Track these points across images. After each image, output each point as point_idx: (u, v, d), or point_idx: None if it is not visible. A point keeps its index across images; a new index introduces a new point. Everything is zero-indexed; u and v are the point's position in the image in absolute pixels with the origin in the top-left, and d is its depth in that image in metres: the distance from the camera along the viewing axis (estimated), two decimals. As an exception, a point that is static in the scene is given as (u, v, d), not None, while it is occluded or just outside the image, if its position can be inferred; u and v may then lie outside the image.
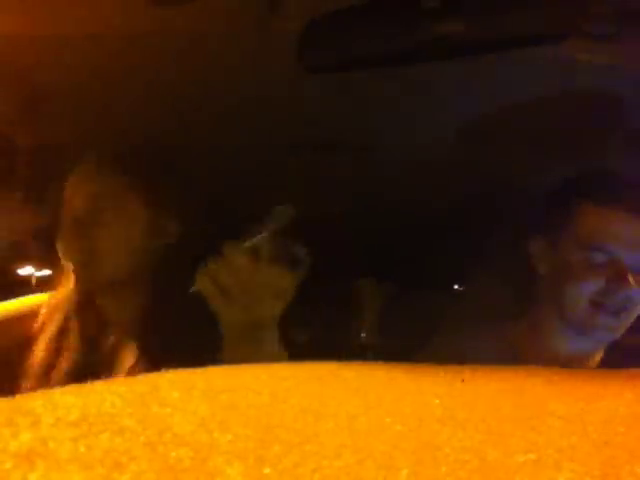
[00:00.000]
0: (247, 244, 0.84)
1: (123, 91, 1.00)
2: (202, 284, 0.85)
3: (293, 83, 0.90)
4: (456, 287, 2.17)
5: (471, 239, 1.36)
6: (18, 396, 0.33)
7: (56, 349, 1.03)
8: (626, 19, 0.63)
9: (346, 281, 2.19)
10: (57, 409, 0.31)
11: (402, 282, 2.10)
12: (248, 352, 0.85)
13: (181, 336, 0.97)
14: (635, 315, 1.02)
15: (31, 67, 0.93)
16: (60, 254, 1.05)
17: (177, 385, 0.39)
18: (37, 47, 0.86)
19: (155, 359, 0.90)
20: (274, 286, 0.85)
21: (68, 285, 1.10)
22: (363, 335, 2.21)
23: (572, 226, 1.04)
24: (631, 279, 0.99)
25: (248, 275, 0.83)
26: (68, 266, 1.05)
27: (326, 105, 1.03)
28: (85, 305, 1.07)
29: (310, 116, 1.07)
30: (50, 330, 1.06)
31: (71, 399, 0.33)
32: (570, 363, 1.07)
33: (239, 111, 1.05)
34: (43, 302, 1.11)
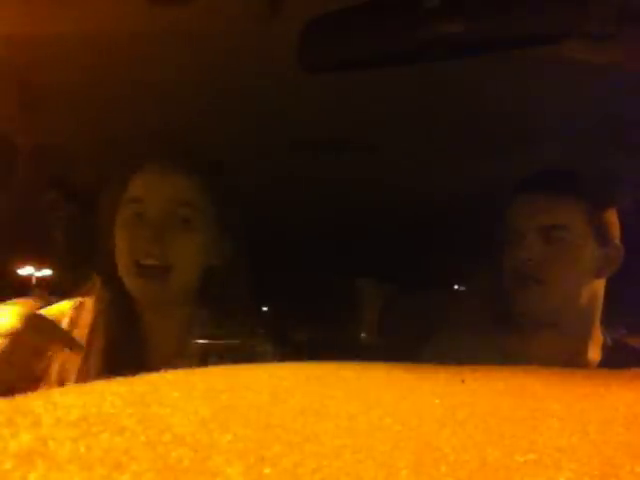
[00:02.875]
0: (193, 349, 0.94)
1: (123, 91, 1.00)
2: None
3: (293, 83, 0.90)
4: (456, 287, 2.17)
5: (471, 239, 1.36)
6: (18, 396, 0.33)
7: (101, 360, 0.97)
8: (626, 19, 0.63)
9: (346, 281, 2.19)
10: (57, 409, 0.31)
11: (402, 282, 2.10)
12: None
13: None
14: (556, 287, 1.06)
15: (31, 67, 0.93)
16: (120, 253, 0.97)
17: (177, 385, 0.39)
18: (37, 47, 0.86)
19: None
20: None
21: (103, 295, 1.02)
22: (363, 335, 2.21)
23: (508, 221, 1.11)
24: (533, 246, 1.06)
25: None
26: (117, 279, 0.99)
27: (326, 105, 1.04)
28: (129, 320, 1.01)
29: (310, 116, 1.07)
30: (97, 343, 0.98)
31: (71, 399, 0.33)
32: (565, 363, 1.07)
33: (239, 111, 1.05)
34: (67, 309, 1.04)
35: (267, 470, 0.26)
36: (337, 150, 1.22)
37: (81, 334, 1.00)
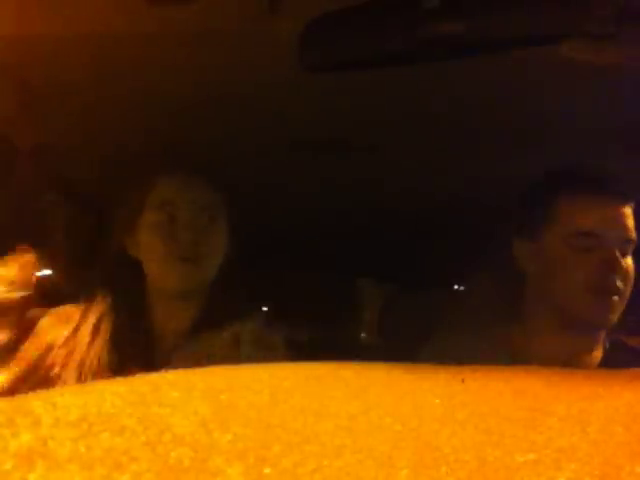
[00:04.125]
0: (226, 336, 1.05)
1: (122, 91, 1.00)
2: None
3: (293, 83, 0.90)
4: (456, 287, 2.17)
5: (471, 239, 1.36)
6: (18, 396, 0.33)
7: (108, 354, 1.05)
8: (626, 19, 0.62)
9: (346, 281, 2.19)
10: (57, 409, 0.31)
11: (402, 282, 2.10)
12: None
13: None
14: (626, 299, 1.04)
15: (31, 67, 0.93)
16: (156, 252, 1.08)
17: (177, 385, 0.39)
18: (37, 47, 0.86)
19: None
20: None
21: (110, 293, 1.11)
22: (363, 335, 2.21)
23: (553, 219, 1.06)
24: (620, 260, 1.02)
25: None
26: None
27: (326, 105, 1.03)
28: (139, 315, 1.10)
29: (310, 116, 1.07)
30: (103, 334, 1.07)
31: (71, 399, 0.33)
32: (569, 362, 1.07)
33: (239, 111, 1.05)
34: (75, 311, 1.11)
35: (267, 470, 0.26)
36: (337, 150, 1.22)
37: (84, 339, 1.06)
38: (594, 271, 1.01)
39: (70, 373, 1.03)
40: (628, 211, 1.05)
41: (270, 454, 0.27)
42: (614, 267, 1.01)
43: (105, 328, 1.07)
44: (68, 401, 0.33)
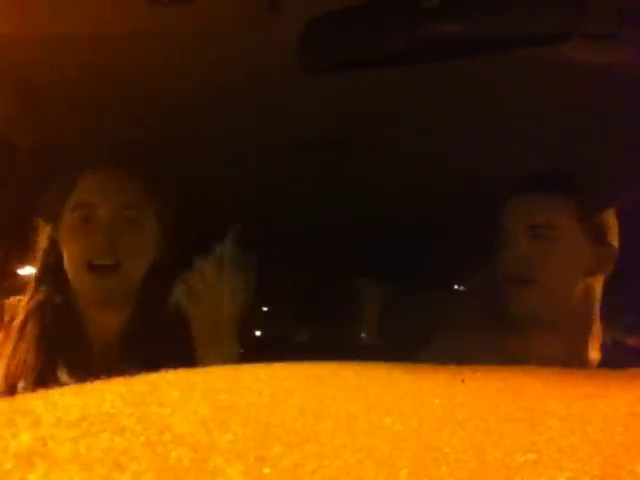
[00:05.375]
0: (211, 257, 1.00)
1: (122, 91, 1.00)
2: (179, 293, 0.99)
3: (293, 83, 0.90)
4: (456, 287, 2.17)
5: (471, 239, 1.36)
6: (18, 396, 0.33)
7: (35, 356, 1.01)
8: (626, 19, 0.63)
9: (346, 281, 2.19)
10: (57, 409, 0.31)
11: (402, 282, 2.10)
12: (213, 349, 0.99)
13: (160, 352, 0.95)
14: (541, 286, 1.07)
15: (31, 67, 0.93)
16: (71, 255, 1.03)
17: (177, 385, 0.39)
18: (37, 47, 0.86)
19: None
20: (231, 287, 0.99)
21: (39, 291, 1.06)
22: (363, 335, 2.21)
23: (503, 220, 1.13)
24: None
25: (214, 281, 0.98)
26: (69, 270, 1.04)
27: (326, 105, 1.03)
28: (67, 316, 1.05)
29: (310, 116, 1.07)
30: (28, 336, 1.02)
31: (71, 399, 0.33)
32: (570, 355, 1.07)
33: (239, 111, 1.05)
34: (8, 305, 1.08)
35: (267, 470, 0.26)
36: (337, 150, 1.22)
37: (14, 331, 1.03)
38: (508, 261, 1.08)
39: None
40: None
41: (270, 454, 0.27)
42: (515, 252, 1.08)
43: (31, 329, 1.02)
44: (68, 401, 0.33)
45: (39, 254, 1.09)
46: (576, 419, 0.35)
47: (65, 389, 0.35)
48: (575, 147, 1.15)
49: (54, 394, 0.34)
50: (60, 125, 1.12)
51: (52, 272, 1.06)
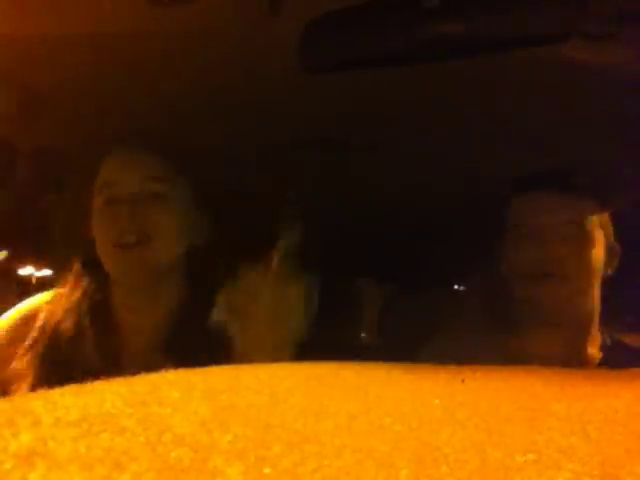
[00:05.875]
0: (261, 265, 0.84)
1: (123, 91, 1.00)
2: (221, 311, 0.85)
3: (293, 83, 0.90)
4: (456, 287, 2.17)
5: (471, 239, 1.36)
6: (18, 396, 0.33)
7: (69, 354, 0.96)
8: (626, 19, 0.63)
9: (346, 281, 2.19)
10: (57, 409, 0.31)
11: (402, 282, 2.10)
12: None
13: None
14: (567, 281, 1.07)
15: (31, 67, 0.93)
16: (99, 239, 0.98)
17: (177, 385, 0.39)
18: (37, 47, 0.86)
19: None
20: (290, 305, 0.85)
21: (79, 286, 1.02)
22: (363, 335, 2.21)
23: (509, 218, 1.13)
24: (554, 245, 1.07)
25: (265, 295, 0.83)
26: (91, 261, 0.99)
27: (326, 105, 1.03)
28: (102, 310, 0.99)
29: (310, 116, 1.07)
30: (63, 333, 0.98)
31: (71, 399, 0.33)
32: (571, 354, 1.07)
33: (239, 111, 1.05)
34: (43, 304, 1.05)
35: (267, 470, 0.26)
36: (337, 150, 1.22)
37: (63, 337, 0.98)
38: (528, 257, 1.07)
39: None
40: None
41: (270, 454, 0.27)
42: (547, 250, 1.06)
43: (66, 326, 0.97)
44: (68, 401, 0.33)
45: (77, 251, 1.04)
46: (576, 419, 0.35)
47: (65, 389, 0.35)
48: (575, 147, 1.15)
49: (54, 394, 0.34)
50: (60, 125, 1.12)
51: (89, 269, 1.02)
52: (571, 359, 1.07)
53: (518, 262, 1.09)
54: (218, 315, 0.84)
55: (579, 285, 1.07)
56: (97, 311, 0.99)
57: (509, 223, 1.13)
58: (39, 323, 1.00)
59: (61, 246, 1.15)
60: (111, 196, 0.98)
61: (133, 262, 0.95)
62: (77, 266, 1.04)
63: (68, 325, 0.98)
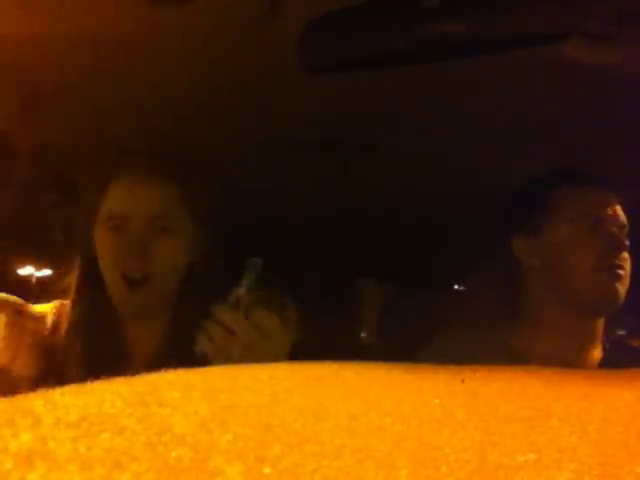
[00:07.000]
0: (230, 300, 0.87)
1: (123, 91, 1.00)
2: (202, 346, 0.87)
3: (293, 83, 0.90)
4: (456, 287, 2.17)
5: (471, 239, 1.36)
6: (18, 396, 0.33)
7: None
8: (626, 19, 0.63)
9: (346, 281, 2.19)
10: (57, 409, 0.31)
11: (402, 282, 2.10)
12: None
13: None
14: (628, 278, 1.08)
15: (31, 67, 0.93)
16: (105, 266, 0.99)
17: (177, 385, 0.39)
18: (37, 47, 0.86)
19: None
20: (265, 329, 0.87)
21: (83, 296, 1.03)
22: (363, 335, 2.21)
23: (555, 210, 1.11)
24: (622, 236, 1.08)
25: (239, 328, 0.85)
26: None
27: (326, 105, 1.03)
28: (109, 329, 1.02)
29: (310, 116, 1.07)
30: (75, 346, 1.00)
31: (71, 399, 0.33)
32: (570, 362, 1.07)
33: (239, 111, 1.05)
34: (49, 311, 1.06)
35: (267, 470, 0.26)
36: (337, 150, 1.22)
37: (61, 336, 1.01)
38: (601, 249, 1.07)
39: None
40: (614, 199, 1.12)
41: (270, 454, 0.27)
42: (621, 246, 1.07)
43: (75, 339, 1.00)
44: (68, 401, 0.33)
45: (76, 265, 1.05)
46: (576, 419, 0.35)
47: (65, 389, 0.35)
48: (575, 147, 1.15)
49: (54, 394, 0.34)
50: (60, 125, 1.12)
51: (92, 283, 1.03)
52: (572, 359, 1.08)
53: (585, 255, 1.08)
54: (200, 350, 0.86)
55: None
56: (104, 324, 1.02)
57: (554, 217, 1.11)
58: (46, 326, 1.02)
59: (61, 246, 1.15)
60: (118, 227, 1.00)
61: (138, 296, 0.99)
62: (79, 271, 1.06)
63: (76, 336, 1.01)
